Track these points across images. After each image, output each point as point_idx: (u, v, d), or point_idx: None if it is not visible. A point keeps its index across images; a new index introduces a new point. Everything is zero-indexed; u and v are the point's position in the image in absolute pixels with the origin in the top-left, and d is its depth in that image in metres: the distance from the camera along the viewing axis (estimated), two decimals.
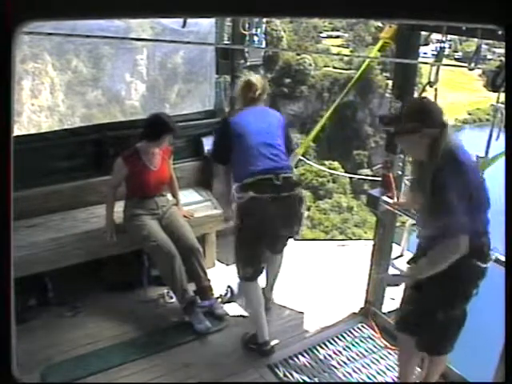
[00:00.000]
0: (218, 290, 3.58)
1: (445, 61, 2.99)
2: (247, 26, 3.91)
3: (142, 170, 3.36)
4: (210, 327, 3.28)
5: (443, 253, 2.30)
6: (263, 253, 3.11)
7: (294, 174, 3.09)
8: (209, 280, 3.44)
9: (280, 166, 2.96)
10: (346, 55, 44.21)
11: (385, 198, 3.10)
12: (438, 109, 2.35)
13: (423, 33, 3.04)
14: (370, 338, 3.31)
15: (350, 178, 26.58)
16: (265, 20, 4.25)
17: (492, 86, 2.45)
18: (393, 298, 3.40)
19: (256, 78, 3.15)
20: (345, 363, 3.12)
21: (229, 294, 3.62)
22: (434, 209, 2.25)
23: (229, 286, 3.64)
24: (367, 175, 11.62)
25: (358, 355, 3.18)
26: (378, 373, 3.05)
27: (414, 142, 2.31)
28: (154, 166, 3.40)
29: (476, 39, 2.58)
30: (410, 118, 2.33)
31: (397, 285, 2.57)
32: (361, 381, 2.99)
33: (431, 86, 2.78)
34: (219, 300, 3.53)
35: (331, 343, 3.27)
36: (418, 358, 2.73)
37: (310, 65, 33.67)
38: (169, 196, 3.62)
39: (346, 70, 33.31)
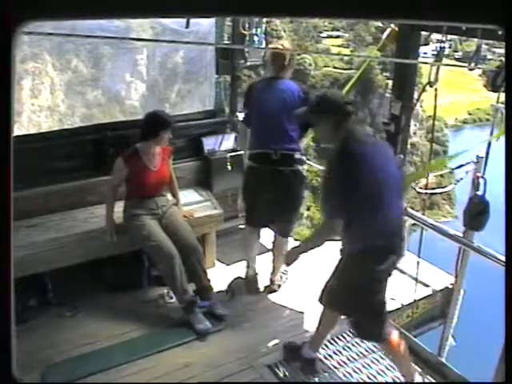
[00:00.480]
0: (218, 290, 3.58)
1: (445, 61, 2.99)
2: (247, 25, 3.92)
3: (142, 170, 3.36)
4: (210, 327, 3.28)
5: (318, 230, 2.85)
6: (261, 212, 3.45)
7: (298, 153, 3.30)
8: (209, 280, 3.45)
9: (282, 148, 3.23)
10: (346, 55, 44.22)
11: None
12: (340, 99, 2.51)
13: (423, 33, 3.05)
14: None
15: None
16: (265, 20, 4.26)
17: (492, 86, 2.45)
18: (393, 298, 3.39)
19: (284, 46, 3.36)
20: (345, 363, 3.12)
21: (229, 294, 3.62)
22: (322, 190, 2.53)
23: (229, 286, 3.64)
24: None
25: (358, 355, 3.18)
26: (378, 373, 3.05)
27: (321, 130, 2.53)
28: (154, 166, 3.40)
29: (476, 39, 2.58)
30: (315, 109, 2.53)
31: (295, 259, 2.71)
32: (361, 381, 2.99)
33: (431, 86, 2.78)
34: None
35: (331, 343, 3.27)
36: (334, 325, 3.03)
37: (310, 65, 33.65)
38: (169, 196, 3.62)
39: (346, 69, 33.30)
